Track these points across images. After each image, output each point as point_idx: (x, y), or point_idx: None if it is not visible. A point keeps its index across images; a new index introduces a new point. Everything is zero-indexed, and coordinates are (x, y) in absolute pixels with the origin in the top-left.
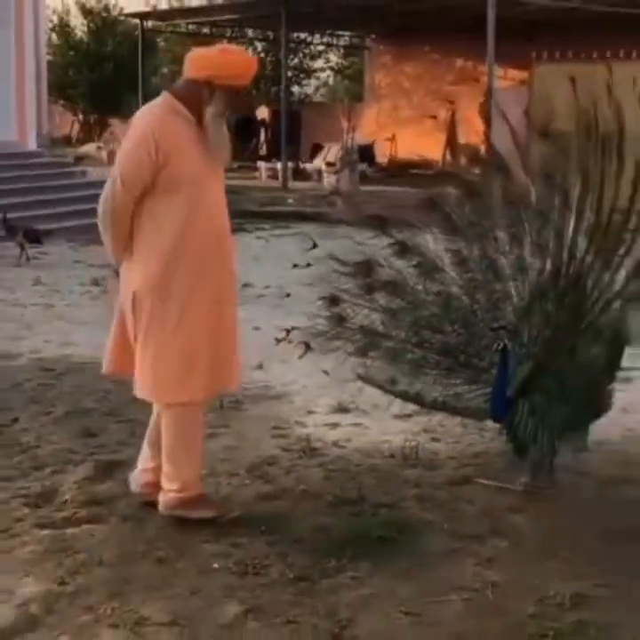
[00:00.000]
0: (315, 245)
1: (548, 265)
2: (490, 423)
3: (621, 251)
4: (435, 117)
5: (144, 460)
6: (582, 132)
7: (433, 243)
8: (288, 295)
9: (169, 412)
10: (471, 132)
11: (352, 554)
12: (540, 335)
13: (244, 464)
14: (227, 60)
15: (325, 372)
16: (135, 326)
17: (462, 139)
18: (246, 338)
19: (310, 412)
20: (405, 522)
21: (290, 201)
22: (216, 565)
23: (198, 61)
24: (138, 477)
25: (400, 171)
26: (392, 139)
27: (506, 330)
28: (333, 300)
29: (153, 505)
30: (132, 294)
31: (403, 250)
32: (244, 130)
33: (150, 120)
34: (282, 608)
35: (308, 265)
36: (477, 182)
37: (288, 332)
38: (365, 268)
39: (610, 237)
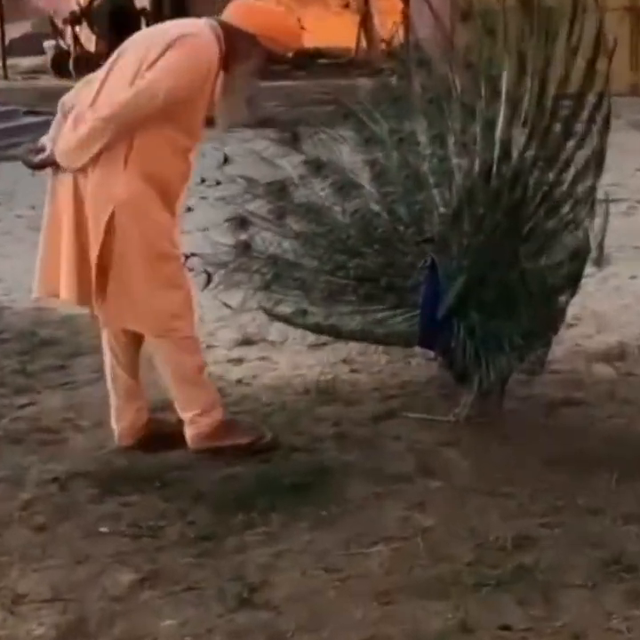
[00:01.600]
0: (226, 160)
1: (477, 164)
2: (418, 350)
3: (571, 144)
4: (347, 5)
5: (122, 412)
6: (519, 8)
7: (348, 155)
8: (189, 209)
9: (170, 343)
10: (388, 11)
11: (262, 506)
12: (473, 244)
13: None
14: (281, 24)
15: (227, 306)
16: (110, 246)
17: (378, 21)
18: None
19: (209, 347)
20: (323, 465)
21: None
22: (104, 529)
23: (252, 14)
24: (126, 429)
25: (307, 61)
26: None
27: (432, 242)
28: (241, 223)
29: (149, 439)
30: (112, 210)
31: (317, 167)
32: (119, 20)
33: (208, 48)
34: (182, 573)
35: (218, 183)
36: (395, 81)
37: (186, 257)
38: (278, 190)
39: (555, 129)
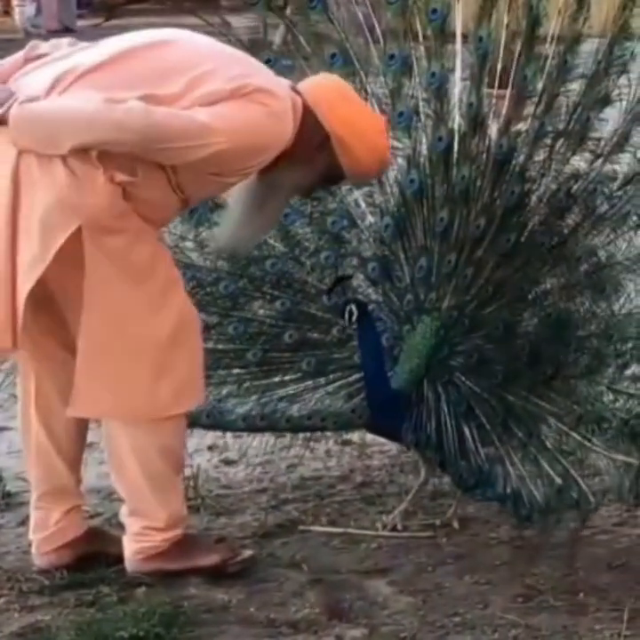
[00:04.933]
0: None
1: (425, 144)
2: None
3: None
4: None
5: (44, 522)
6: None
7: None
8: None
9: (155, 427)
10: None
11: None
12: (441, 268)
13: None
14: (372, 141)
15: None
16: (62, 277)
17: None
18: None
19: None
20: (180, 609)
21: None
22: None
23: (342, 107)
24: (45, 543)
25: None
26: None
27: (346, 280)
28: None
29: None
30: (76, 227)
31: None
32: None
33: (286, 122)
34: None
35: None
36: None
37: None
38: None
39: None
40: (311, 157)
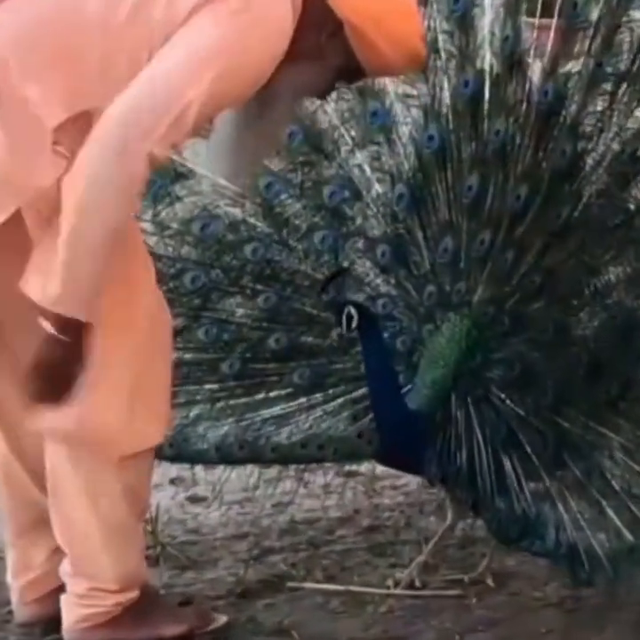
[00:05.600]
0: None
1: (447, 89)
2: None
3: None
4: None
5: (26, 563)
6: None
7: None
8: None
9: (120, 463)
10: None
11: None
12: (473, 245)
13: None
14: (400, 26)
15: None
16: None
17: None
18: None
19: None
20: None
21: None
22: None
23: None
24: (30, 590)
25: None
26: None
27: (344, 274)
28: None
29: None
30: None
31: None
32: None
33: (283, 17)
34: None
35: None
36: None
37: None
38: None
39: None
40: (321, 51)
